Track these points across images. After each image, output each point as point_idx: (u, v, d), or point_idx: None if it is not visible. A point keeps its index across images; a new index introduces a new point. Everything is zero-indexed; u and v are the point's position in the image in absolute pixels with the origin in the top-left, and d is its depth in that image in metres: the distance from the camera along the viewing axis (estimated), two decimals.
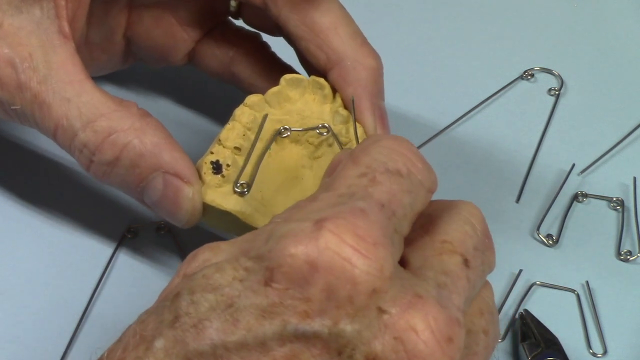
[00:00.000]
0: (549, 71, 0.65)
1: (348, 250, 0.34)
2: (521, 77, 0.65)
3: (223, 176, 0.46)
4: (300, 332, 0.34)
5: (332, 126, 0.49)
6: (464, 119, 0.62)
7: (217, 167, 0.47)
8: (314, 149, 0.49)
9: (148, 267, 0.52)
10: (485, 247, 0.40)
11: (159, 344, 0.34)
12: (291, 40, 0.51)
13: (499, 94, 0.64)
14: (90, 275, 0.51)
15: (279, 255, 0.34)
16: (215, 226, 0.49)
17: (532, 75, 0.65)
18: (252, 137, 0.48)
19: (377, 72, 0.51)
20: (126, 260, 0.52)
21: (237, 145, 0.47)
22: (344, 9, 0.52)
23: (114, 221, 0.53)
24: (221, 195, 0.46)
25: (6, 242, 0.52)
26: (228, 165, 0.47)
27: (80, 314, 0.49)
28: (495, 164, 0.59)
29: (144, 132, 0.46)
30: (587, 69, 0.66)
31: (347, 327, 0.34)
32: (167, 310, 0.35)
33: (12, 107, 0.47)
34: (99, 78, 0.58)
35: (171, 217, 0.47)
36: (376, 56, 0.51)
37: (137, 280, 0.51)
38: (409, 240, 0.39)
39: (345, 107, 0.50)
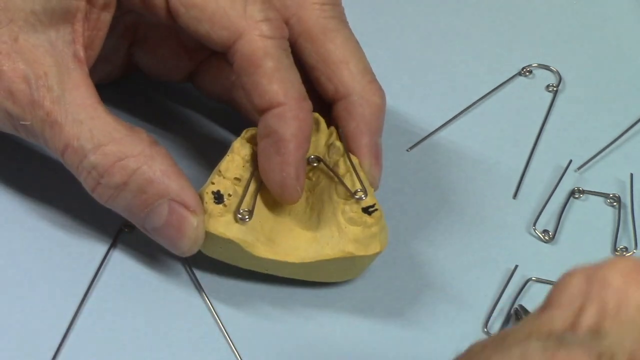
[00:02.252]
0: (547, 67, 0.65)
1: None
2: (519, 74, 0.65)
3: (225, 205, 0.48)
4: None
5: (327, 158, 0.51)
6: (461, 115, 0.62)
7: (218, 197, 0.48)
8: (311, 183, 0.51)
9: (145, 260, 0.52)
10: None
11: None
12: (302, 69, 0.52)
13: (496, 91, 0.64)
14: (87, 269, 0.51)
15: None
16: (214, 255, 0.50)
17: (530, 72, 0.65)
18: (251, 168, 0.49)
19: (380, 110, 0.52)
20: (123, 254, 0.52)
21: (237, 176, 0.49)
22: (358, 43, 0.53)
23: (111, 215, 0.53)
24: (224, 224, 0.47)
25: (1, 237, 0.52)
26: (229, 195, 0.48)
27: (75, 308, 0.49)
28: (493, 160, 0.60)
29: (154, 159, 0.47)
30: (585, 66, 0.66)
31: None
32: None
33: (21, 123, 0.48)
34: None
35: (172, 244, 0.48)
36: (382, 95, 0.52)
37: (134, 274, 0.51)
38: None
39: (340, 140, 0.51)
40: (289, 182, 0.48)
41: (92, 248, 0.52)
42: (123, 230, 0.53)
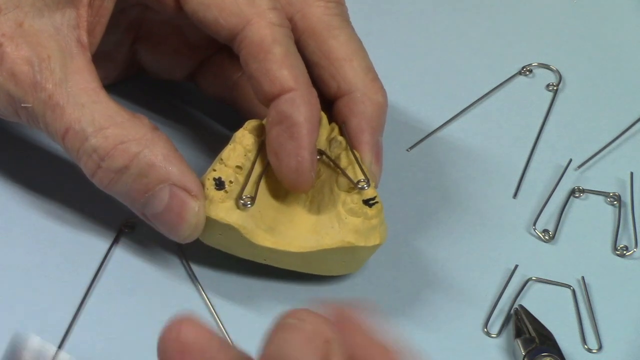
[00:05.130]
0: (547, 67, 0.65)
1: None
2: (519, 73, 0.65)
3: (226, 192, 0.48)
4: None
5: (329, 153, 0.51)
6: (461, 114, 0.62)
7: (219, 184, 0.48)
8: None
9: (145, 260, 0.52)
10: None
11: None
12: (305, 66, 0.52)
13: (497, 90, 0.64)
14: (88, 268, 0.51)
15: None
16: (213, 243, 0.50)
17: (530, 71, 0.65)
18: (253, 157, 0.49)
19: (382, 108, 0.52)
20: (123, 254, 0.52)
21: (239, 165, 0.49)
22: (361, 42, 0.53)
23: (112, 214, 0.53)
24: (225, 210, 0.48)
25: (2, 236, 0.52)
26: (231, 182, 0.48)
27: (76, 307, 0.49)
28: (493, 159, 0.60)
29: (155, 144, 0.48)
30: (585, 65, 0.66)
31: None
32: None
33: (22, 105, 0.48)
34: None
35: (173, 230, 0.48)
36: (384, 93, 0.52)
37: (135, 274, 0.51)
38: None
39: (341, 134, 0.51)
40: (305, 167, 0.48)
41: (92, 248, 0.52)
42: (123, 230, 0.53)
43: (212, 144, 0.57)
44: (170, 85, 0.60)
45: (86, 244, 0.52)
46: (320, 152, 0.50)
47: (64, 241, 0.52)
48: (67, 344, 0.48)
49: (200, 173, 0.49)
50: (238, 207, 0.48)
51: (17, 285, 0.50)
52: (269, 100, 0.49)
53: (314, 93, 0.49)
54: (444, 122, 0.61)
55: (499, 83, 0.64)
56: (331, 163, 0.50)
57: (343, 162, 0.50)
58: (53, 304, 0.50)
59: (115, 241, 0.52)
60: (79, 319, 0.49)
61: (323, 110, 0.52)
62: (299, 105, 0.48)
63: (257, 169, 0.49)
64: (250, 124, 0.50)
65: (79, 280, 0.51)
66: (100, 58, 0.51)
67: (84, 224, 0.53)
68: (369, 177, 0.49)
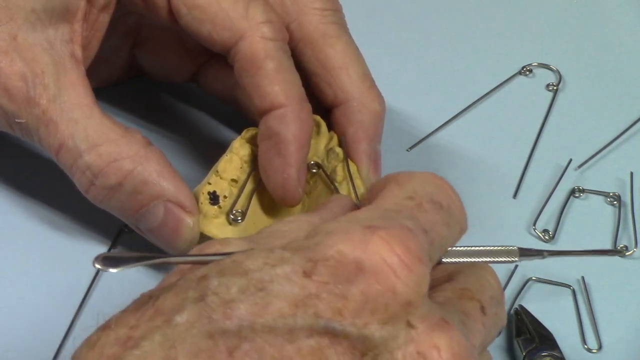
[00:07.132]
0: (547, 67, 0.66)
1: (395, 259, 0.34)
2: (519, 73, 0.65)
3: (220, 207, 0.48)
4: (330, 327, 0.34)
5: (326, 163, 0.51)
6: (461, 115, 0.62)
7: (214, 198, 0.48)
8: (308, 187, 0.50)
9: None
10: (500, 300, 0.41)
11: (181, 318, 0.33)
12: (301, 75, 0.52)
13: (496, 90, 0.64)
14: (88, 269, 0.51)
15: (327, 249, 0.34)
16: None
17: (530, 71, 0.65)
18: (249, 169, 0.50)
19: (379, 116, 0.52)
20: None
21: (234, 178, 0.49)
22: (357, 49, 0.53)
23: (111, 215, 0.53)
24: (217, 226, 0.48)
25: (1, 238, 0.52)
26: (225, 197, 0.48)
27: (76, 308, 0.49)
28: (493, 159, 0.60)
29: (149, 160, 0.47)
30: (585, 65, 0.66)
31: (376, 332, 0.34)
32: (192, 289, 0.34)
33: (16, 120, 0.48)
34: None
35: (167, 244, 0.48)
36: (381, 101, 0.52)
37: (134, 274, 0.51)
38: (432, 284, 0.39)
39: (340, 146, 0.51)
40: (291, 184, 0.48)
41: (92, 248, 0.52)
42: (123, 230, 0.53)
43: (211, 146, 0.57)
44: (170, 86, 0.60)
45: (86, 245, 0.52)
46: (317, 165, 0.50)
47: (63, 243, 0.52)
48: (66, 346, 0.48)
49: (199, 179, 0.49)
50: (229, 222, 0.48)
51: (16, 287, 0.50)
52: (260, 115, 0.49)
53: (307, 108, 0.49)
54: (444, 122, 0.61)
55: (499, 83, 0.64)
56: (327, 178, 0.50)
57: (339, 175, 0.50)
58: (52, 305, 0.49)
59: (114, 242, 0.52)
60: (78, 321, 0.49)
61: (322, 118, 0.52)
62: (289, 121, 0.48)
63: (252, 182, 0.49)
64: (248, 132, 0.50)
65: (78, 282, 0.50)
66: (99, 62, 0.51)
67: (83, 225, 0.53)
68: (360, 195, 0.49)
